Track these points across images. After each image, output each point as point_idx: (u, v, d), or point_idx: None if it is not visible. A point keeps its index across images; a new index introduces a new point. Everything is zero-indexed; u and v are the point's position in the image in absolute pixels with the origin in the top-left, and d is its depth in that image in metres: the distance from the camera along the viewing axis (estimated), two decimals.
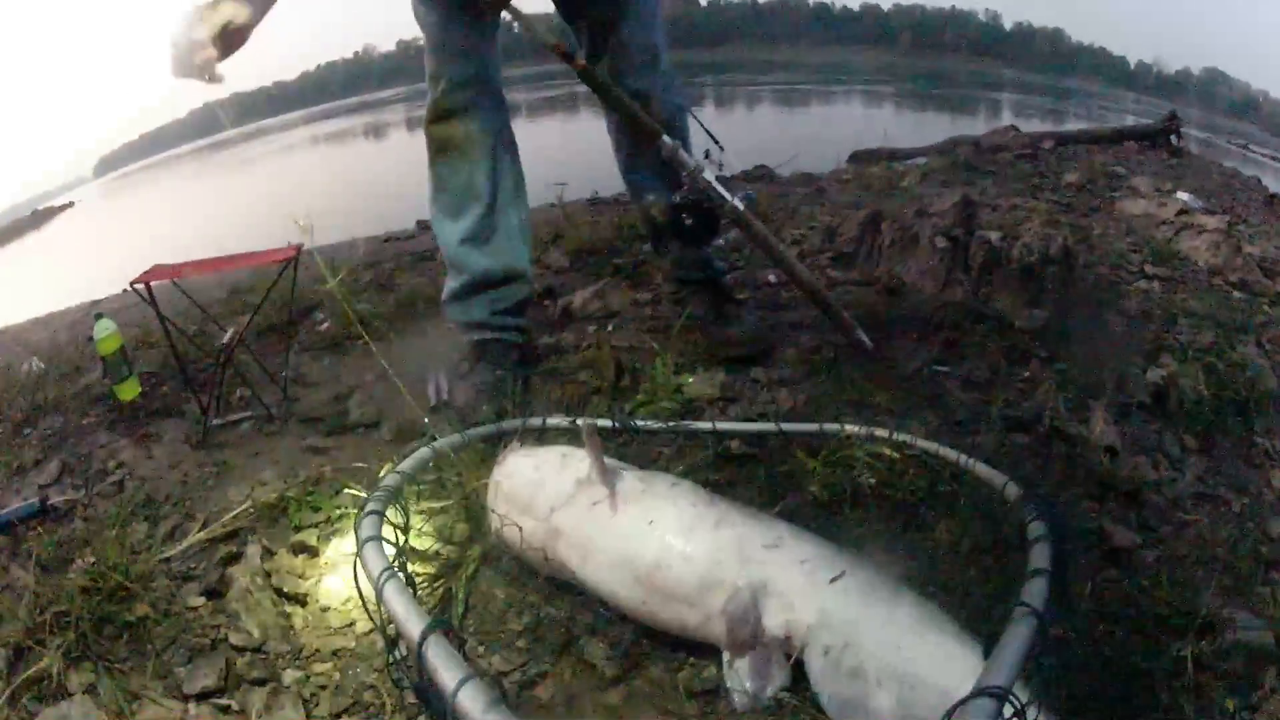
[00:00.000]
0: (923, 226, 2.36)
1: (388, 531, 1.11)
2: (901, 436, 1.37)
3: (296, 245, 1.70)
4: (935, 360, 1.78)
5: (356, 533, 1.09)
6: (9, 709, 1.04)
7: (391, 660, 0.95)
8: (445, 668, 0.83)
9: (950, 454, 1.33)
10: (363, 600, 1.05)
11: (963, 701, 0.78)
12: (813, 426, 1.44)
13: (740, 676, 0.95)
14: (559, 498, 1.13)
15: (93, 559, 1.25)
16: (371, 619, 1.00)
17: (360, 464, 1.50)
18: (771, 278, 2.26)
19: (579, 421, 1.25)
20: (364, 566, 1.03)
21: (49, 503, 1.51)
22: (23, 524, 1.45)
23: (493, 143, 1.73)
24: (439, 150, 1.73)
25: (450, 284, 1.82)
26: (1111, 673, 1.00)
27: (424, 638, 0.86)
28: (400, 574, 1.01)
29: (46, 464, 1.70)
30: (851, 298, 2.09)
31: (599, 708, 0.96)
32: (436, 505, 1.32)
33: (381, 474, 1.28)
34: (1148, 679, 1.00)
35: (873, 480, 1.28)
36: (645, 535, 1.05)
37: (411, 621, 0.90)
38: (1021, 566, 1.02)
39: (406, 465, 1.28)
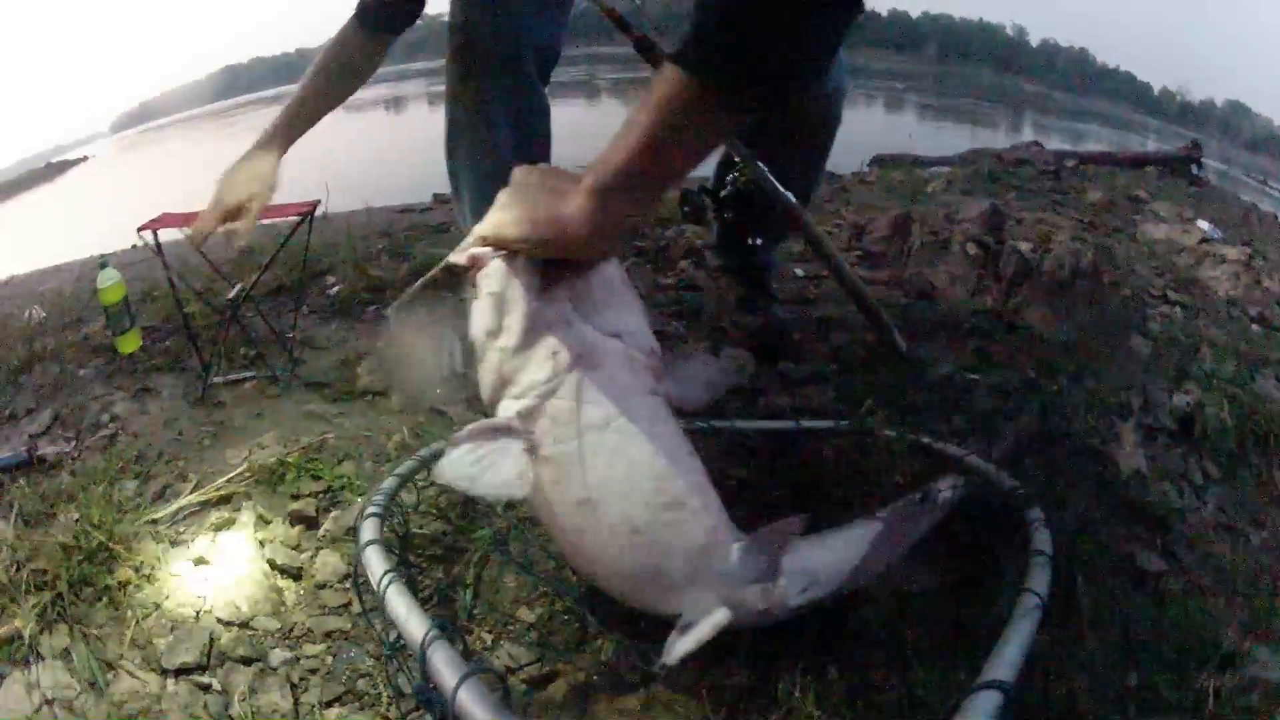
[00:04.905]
0: (953, 232, 2.31)
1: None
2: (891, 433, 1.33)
3: (314, 200, 1.64)
4: (966, 367, 1.73)
5: (356, 537, 1.03)
6: None
7: (394, 667, 0.90)
8: (446, 669, 0.79)
9: (956, 452, 1.29)
10: (363, 606, 1.01)
11: (966, 694, 0.74)
12: (828, 424, 1.39)
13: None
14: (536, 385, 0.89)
15: (76, 515, 1.19)
16: (371, 623, 0.97)
17: (367, 432, 1.44)
18: (799, 271, 2.20)
19: None
20: (366, 569, 0.98)
21: (37, 453, 1.45)
22: (8, 474, 1.40)
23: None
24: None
25: None
26: (1136, 701, 0.95)
27: (426, 641, 0.82)
28: (402, 578, 0.95)
29: (39, 413, 1.64)
30: (880, 298, 2.03)
31: (614, 713, 0.89)
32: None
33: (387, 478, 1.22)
34: (1171, 709, 0.94)
35: (899, 479, 1.22)
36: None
37: (413, 624, 0.85)
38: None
39: (404, 468, 1.22)
